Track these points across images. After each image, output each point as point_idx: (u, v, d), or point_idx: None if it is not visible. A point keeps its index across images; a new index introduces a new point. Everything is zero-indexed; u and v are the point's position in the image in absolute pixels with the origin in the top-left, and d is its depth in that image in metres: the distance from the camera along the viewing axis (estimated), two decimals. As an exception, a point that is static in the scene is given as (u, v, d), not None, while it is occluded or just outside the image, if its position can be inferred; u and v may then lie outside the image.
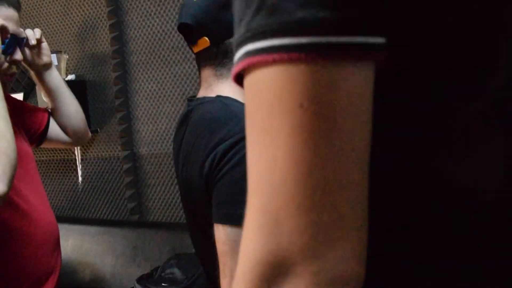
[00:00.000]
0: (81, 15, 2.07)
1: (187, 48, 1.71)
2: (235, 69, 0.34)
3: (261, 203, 0.32)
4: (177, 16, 1.72)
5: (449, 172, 0.36)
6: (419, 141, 0.37)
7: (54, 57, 2.04)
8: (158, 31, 1.83)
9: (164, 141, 1.89)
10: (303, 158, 0.31)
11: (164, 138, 1.89)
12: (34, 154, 1.31)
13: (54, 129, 1.33)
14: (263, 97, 0.32)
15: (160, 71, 1.85)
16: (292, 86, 0.31)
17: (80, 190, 2.20)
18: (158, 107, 1.88)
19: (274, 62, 0.31)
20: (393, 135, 0.37)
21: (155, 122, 1.90)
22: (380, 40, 0.32)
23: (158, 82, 1.86)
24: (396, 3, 0.33)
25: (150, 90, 1.89)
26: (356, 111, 0.32)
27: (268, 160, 0.32)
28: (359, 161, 0.32)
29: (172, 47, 1.81)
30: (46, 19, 2.22)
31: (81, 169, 2.19)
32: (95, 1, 2.00)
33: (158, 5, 1.82)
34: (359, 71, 0.32)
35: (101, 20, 1.99)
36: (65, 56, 2.07)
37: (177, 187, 1.85)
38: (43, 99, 1.73)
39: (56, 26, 2.22)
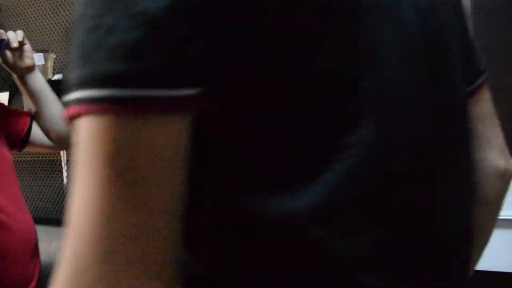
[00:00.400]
0: (69, 13, 2.05)
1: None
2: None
3: (71, 249, 0.32)
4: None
5: (265, 209, 0.36)
6: (236, 179, 0.37)
7: (41, 56, 2.01)
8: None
9: None
10: (105, 210, 0.31)
11: None
12: (19, 154, 1.28)
13: (37, 133, 1.30)
14: (77, 146, 0.33)
15: None
16: (96, 139, 0.32)
17: (65, 191, 2.16)
18: None
19: (84, 113, 0.32)
20: (212, 175, 0.37)
21: None
22: (188, 91, 0.32)
23: None
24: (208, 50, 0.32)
25: None
26: (160, 162, 0.32)
27: (79, 207, 0.32)
28: (165, 213, 0.32)
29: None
30: (34, 17, 2.17)
31: (67, 171, 2.15)
32: (84, 0, 1.98)
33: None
34: (165, 123, 0.32)
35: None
36: (52, 55, 2.03)
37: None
38: (28, 98, 1.69)
39: (44, 25, 2.18)
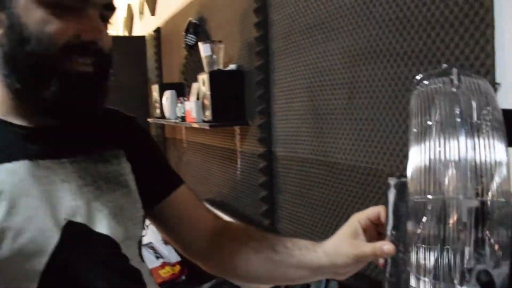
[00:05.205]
0: (244, 5, 2.03)
1: (321, 29, 1.49)
2: None
3: None
4: None
5: None
6: None
7: (207, 47, 2.06)
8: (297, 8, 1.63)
9: (294, 142, 1.71)
10: None
11: (294, 139, 1.71)
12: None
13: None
14: None
15: (293, 58, 1.66)
16: None
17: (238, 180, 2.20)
18: (290, 101, 1.70)
19: None
20: None
21: (287, 119, 1.73)
22: None
23: (291, 72, 1.68)
24: None
25: (285, 81, 1.73)
26: None
27: None
28: None
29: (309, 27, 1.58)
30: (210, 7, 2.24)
31: (240, 159, 2.18)
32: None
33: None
34: None
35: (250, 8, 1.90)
36: (220, 46, 2.06)
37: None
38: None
39: (217, 15, 2.25)
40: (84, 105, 0.67)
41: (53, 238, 0.63)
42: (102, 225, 0.69)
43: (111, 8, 0.70)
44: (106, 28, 0.71)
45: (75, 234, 0.66)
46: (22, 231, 0.61)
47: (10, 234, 0.61)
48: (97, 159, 0.73)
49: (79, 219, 0.67)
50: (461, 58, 0.99)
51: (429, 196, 0.49)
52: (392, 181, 0.61)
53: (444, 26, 1.03)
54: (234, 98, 2.05)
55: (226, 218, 2.06)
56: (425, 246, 0.56)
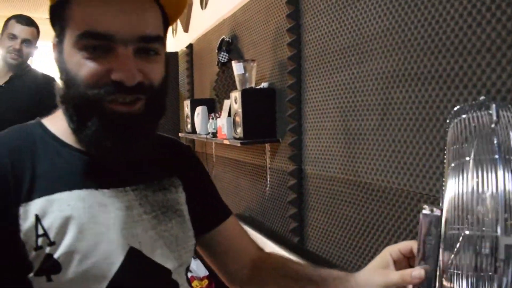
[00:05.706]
0: (278, 25, 2.06)
1: (352, 51, 1.50)
2: None
3: None
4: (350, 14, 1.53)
5: None
6: None
7: (240, 66, 2.09)
8: (330, 31, 1.65)
9: (325, 161, 1.71)
10: None
11: (324, 158, 1.71)
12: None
13: None
14: None
15: (325, 78, 1.68)
16: None
17: (267, 196, 2.21)
18: (321, 120, 1.72)
19: None
20: None
21: (318, 138, 1.74)
22: None
23: (323, 91, 1.70)
24: None
25: (317, 100, 1.74)
26: None
27: None
28: None
29: (341, 49, 1.60)
30: (244, 26, 2.28)
31: (269, 176, 2.20)
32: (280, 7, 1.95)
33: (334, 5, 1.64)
34: None
35: (284, 26, 1.93)
36: (253, 65, 2.09)
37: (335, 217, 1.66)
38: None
39: (250, 35, 2.29)
40: (123, 145, 0.68)
41: (115, 264, 0.67)
42: (157, 254, 0.72)
43: (150, 40, 0.69)
44: (151, 61, 0.69)
45: (133, 260, 0.69)
46: (88, 256, 0.65)
47: (77, 257, 0.64)
48: (156, 188, 0.76)
49: (136, 246, 0.70)
50: (498, 84, 0.99)
51: (467, 232, 0.49)
52: (425, 212, 0.62)
53: (481, 51, 1.03)
54: (265, 116, 2.08)
55: (254, 234, 2.08)
56: (459, 272, 0.56)
